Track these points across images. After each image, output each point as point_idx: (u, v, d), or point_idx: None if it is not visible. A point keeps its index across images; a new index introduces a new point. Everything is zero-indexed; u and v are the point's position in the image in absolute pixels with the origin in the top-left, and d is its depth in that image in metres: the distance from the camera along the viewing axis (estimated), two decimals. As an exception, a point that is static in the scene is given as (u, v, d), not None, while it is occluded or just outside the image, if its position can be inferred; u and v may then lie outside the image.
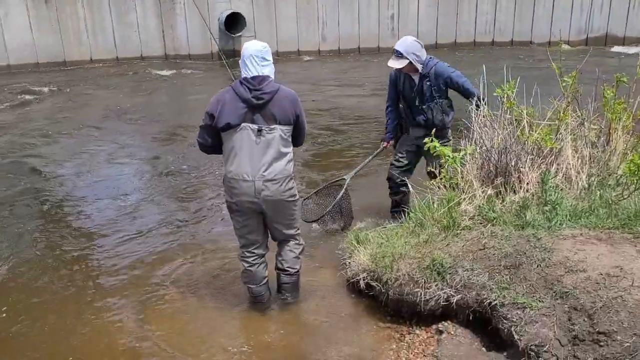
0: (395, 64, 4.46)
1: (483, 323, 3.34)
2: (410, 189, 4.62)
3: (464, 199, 4.08)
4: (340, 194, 4.71)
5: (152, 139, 7.82)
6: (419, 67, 4.49)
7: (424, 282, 3.51)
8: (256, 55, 3.33)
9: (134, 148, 7.45)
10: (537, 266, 3.30)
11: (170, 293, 4.01)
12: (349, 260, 4.10)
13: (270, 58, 3.42)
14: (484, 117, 4.44)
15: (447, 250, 3.67)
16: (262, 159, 3.35)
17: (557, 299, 3.08)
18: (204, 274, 4.25)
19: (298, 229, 3.73)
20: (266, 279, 3.70)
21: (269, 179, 3.37)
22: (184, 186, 6.07)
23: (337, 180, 4.96)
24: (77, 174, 6.45)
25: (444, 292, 3.43)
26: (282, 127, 3.37)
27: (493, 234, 3.69)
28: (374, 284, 3.71)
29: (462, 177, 4.27)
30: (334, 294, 3.95)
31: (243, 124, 3.32)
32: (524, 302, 3.12)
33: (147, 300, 3.93)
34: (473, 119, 4.47)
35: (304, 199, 4.84)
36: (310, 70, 12.01)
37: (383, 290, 3.65)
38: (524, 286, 3.23)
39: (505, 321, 3.14)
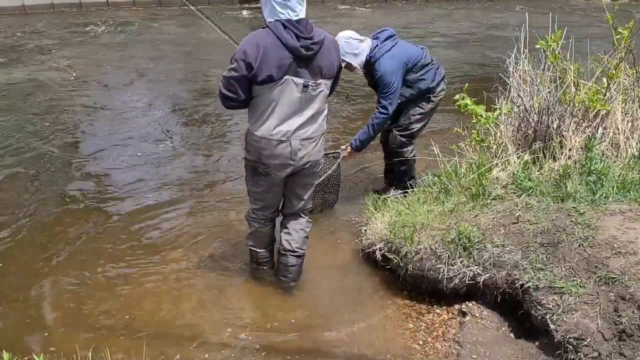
0: None
1: (513, 306, 2.97)
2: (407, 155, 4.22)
3: (496, 164, 3.65)
4: (332, 168, 4.05)
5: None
6: (357, 65, 3.89)
7: (448, 257, 3.13)
8: None
9: (186, 90, 7.15)
10: (579, 245, 2.89)
11: (171, 253, 3.71)
12: (365, 229, 3.74)
13: None
14: (523, 72, 3.94)
15: (475, 222, 3.27)
16: (301, 116, 2.89)
17: (601, 285, 2.68)
18: (211, 234, 3.93)
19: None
20: (273, 244, 3.37)
21: (306, 137, 2.95)
22: (212, 133, 5.83)
23: (331, 153, 4.20)
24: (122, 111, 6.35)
25: (470, 270, 3.06)
26: (327, 82, 2.92)
27: (528, 206, 3.27)
28: (391, 256, 3.35)
29: (495, 140, 3.83)
30: (346, 266, 3.60)
31: (286, 77, 2.79)
32: (562, 287, 2.73)
33: (150, 259, 3.64)
34: (511, 73, 3.98)
35: None
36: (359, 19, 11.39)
37: (401, 264, 3.28)
38: (563, 268, 2.83)
39: (539, 307, 2.76)
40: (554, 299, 2.73)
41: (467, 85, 3.70)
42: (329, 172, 4.04)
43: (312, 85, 2.85)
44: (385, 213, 3.77)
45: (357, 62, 3.88)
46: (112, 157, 5.19)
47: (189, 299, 3.28)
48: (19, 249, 3.72)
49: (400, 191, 4.27)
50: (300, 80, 2.82)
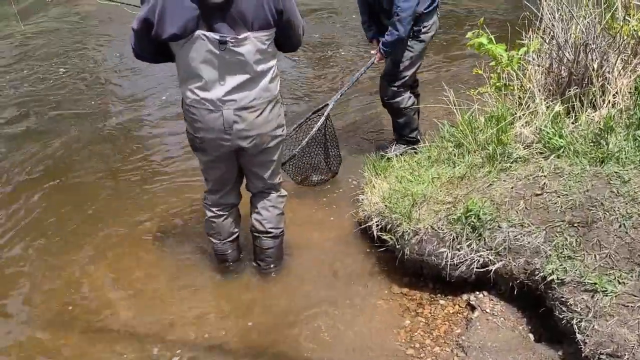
0: None
1: (533, 301, 2.40)
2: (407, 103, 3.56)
3: (520, 117, 2.96)
4: (317, 125, 3.38)
5: None
6: None
7: (453, 240, 2.55)
8: None
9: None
10: (620, 226, 2.26)
11: (143, 222, 3.29)
12: (362, 197, 3.17)
13: None
14: (558, -4, 3.14)
15: (488, 193, 2.65)
16: (225, 82, 2.30)
17: (647, 281, 2.06)
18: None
19: (280, 175, 2.77)
20: (235, 235, 2.84)
21: (244, 105, 2.33)
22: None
23: (320, 109, 3.54)
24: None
25: (480, 256, 2.48)
26: (259, 35, 2.25)
27: (557, 171, 2.62)
28: (385, 237, 2.79)
29: (521, 86, 3.12)
30: (339, 245, 3.05)
31: (197, 32, 2.19)
32: (595, 283, 2.13)
33: (118, 229, 3.23)
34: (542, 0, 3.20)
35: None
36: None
37: (398, 246, 2.73)
38: (597, 257, 2.22)
39: (564, 308, 2.18)
40: (583, 298, 2.14)
41: (482, 19, 2.95)
42: (312, 132, 3.38)
43: (232, 42, 2.21)
44: (387, 178, 3.20)
45: None
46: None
47: (149, 289, 2.84)
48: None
49: (402, 147, 3.68)
50: (215, 36, 2.19)
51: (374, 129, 4.25)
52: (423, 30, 3.30)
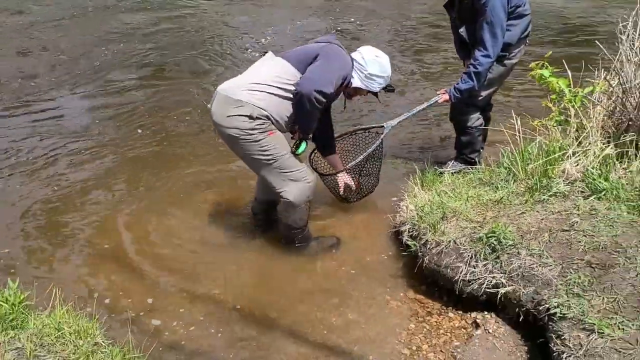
0: None
1: (535, 330, 2.43)
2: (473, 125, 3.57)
3: (571, 154, 2.95)
4: (373, 147, 3.27)
5: None
6: None
7: (471, 257, 2.63)
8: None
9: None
10: (637, 275, 2.24)
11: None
12: (401, 204, 3.30)
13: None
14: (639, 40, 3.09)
15: (518, 220, 2.70)
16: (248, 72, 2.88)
17: (646, 332, 2.05)
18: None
19: (285, 187, 2.89)
20: (264, 204, 3.26)
21: (225, 87, 2.79)
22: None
23: (372, 127, 3.50)
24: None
25: (493, 277, 2.54)
26: (286, 64, 2.82)
27: (592, 212, 2.62)
28: (410, 242, 2.91)
29: (581, 124, 3.10)
30: (368, 241, 3.22)
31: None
32: (594, 324, 2.14)
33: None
34: (622, 42, 3.15)
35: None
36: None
37: (420, 253, 2.85)
38: (605, 300, 2.22)
39: (558, 342, 2.20)
40: (578, 335, 2.16)
41: (549, 52, 2.96)
42: (368, 150, 3.29)
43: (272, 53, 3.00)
44: (430, 191, 3.30)
45: None
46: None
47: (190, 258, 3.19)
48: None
49: (459, 165, 3.72)
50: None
51: (436, 144, 4.33)
52: (509, 56, 3.29)
